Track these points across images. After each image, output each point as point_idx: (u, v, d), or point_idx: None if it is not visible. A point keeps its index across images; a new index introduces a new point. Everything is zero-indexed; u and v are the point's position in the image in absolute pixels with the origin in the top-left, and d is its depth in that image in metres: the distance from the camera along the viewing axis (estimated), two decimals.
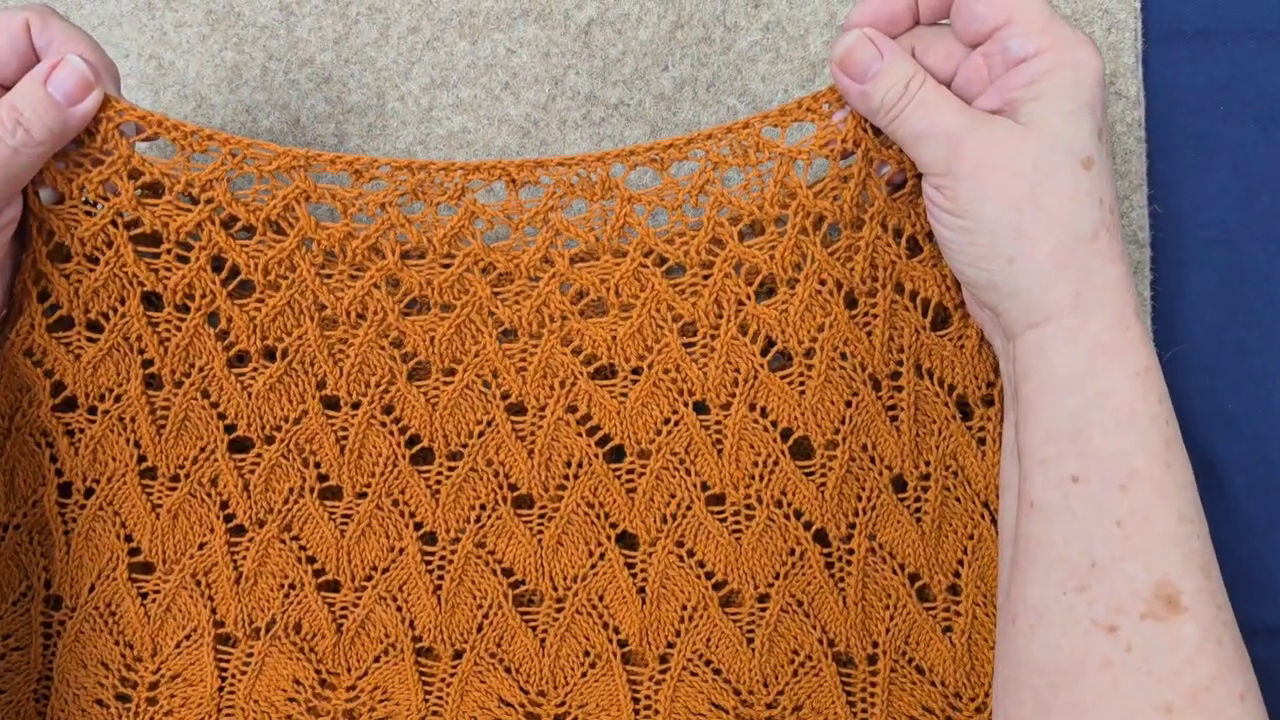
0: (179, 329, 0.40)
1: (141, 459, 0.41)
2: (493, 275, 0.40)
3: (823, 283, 0.39)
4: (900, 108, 0.35)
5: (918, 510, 0.40)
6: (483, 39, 0.46)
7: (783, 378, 0.40)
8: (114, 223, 0.38)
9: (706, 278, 0.39)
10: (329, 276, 0.39)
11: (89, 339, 0.40)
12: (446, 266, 0.39)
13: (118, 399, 0.40)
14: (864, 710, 0.40)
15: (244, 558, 0.41)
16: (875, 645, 0.40)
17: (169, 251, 0.39)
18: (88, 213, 0.38)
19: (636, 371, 0.40)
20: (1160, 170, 0.43)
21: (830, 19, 0.45)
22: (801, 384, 0.40)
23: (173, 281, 0.39)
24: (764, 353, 0.40)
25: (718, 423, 0.40)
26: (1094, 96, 0.34)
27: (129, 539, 0.41)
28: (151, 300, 0.40)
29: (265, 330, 0.40)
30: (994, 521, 0.40)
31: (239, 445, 0.41)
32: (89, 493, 0.41)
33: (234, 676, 0.41)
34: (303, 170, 0.38)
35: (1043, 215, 0.33)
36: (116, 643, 0.41)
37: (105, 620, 0.42)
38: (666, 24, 0.45)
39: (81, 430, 0.41)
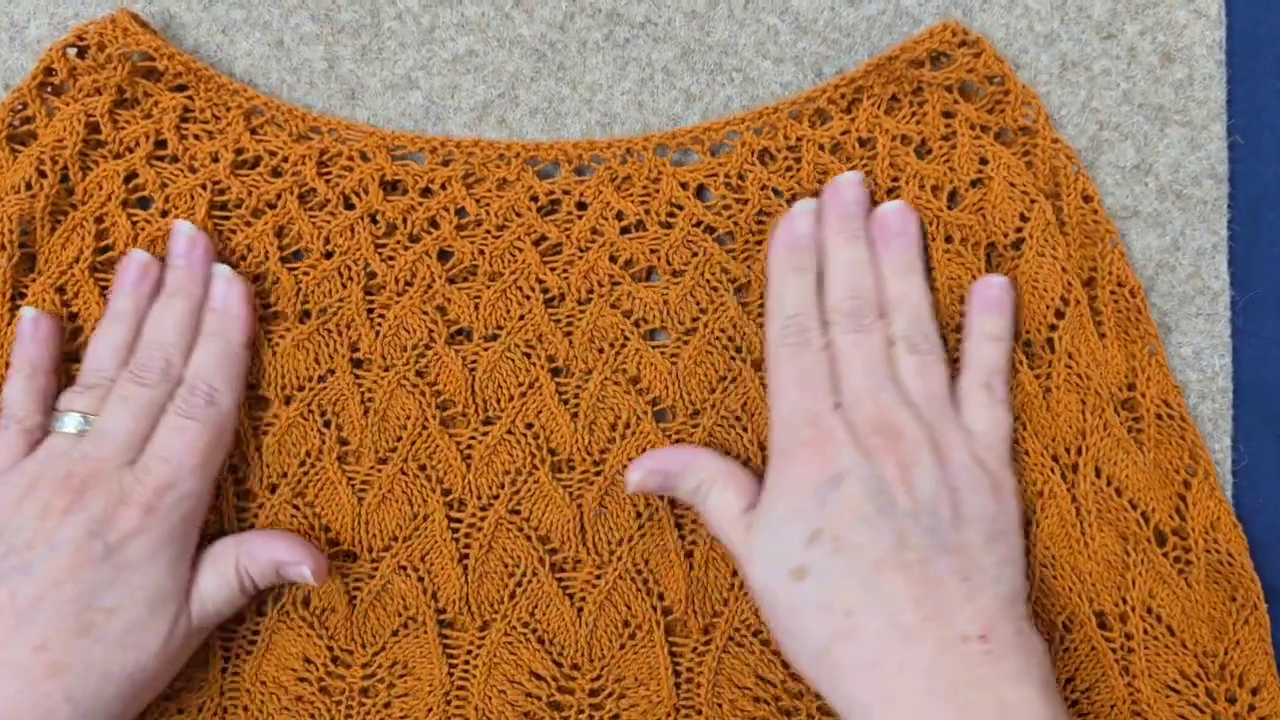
0: None
1: None
2: (544, 246, 0.39)
3: None
4: (697, 504, 0.36)
5: None
6: None
7: None
8: (203, 185, 0.38)
9: (759, 244, 0.38)
10: (383, 245, 0.39)
11: None
12: (498, 237, 0.38)
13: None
14: None
15: (252, 524, 0.38)
16: None
17: (240, 216, 0.39)
18: (191, 169, 0.39)
19: (689, 333, 0.38)
20: (1240, 98, 0.40)
21: None
22: None
23: (234, 242, 0.38)
24: None
25: None
26: (797, 503, 0.33)
27: None
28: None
29: (309, 294, 0.38)
30: (1062, 477, 0.37)
31: (255, 405, 0.38)
32: None
33: (238, 656, 0.38)
34: (385, 150, 0.38)
35: (779, 631, 0.33)
36: None
37: None
38: None
39: None
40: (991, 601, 0.32)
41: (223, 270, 0.37)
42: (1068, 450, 0.37)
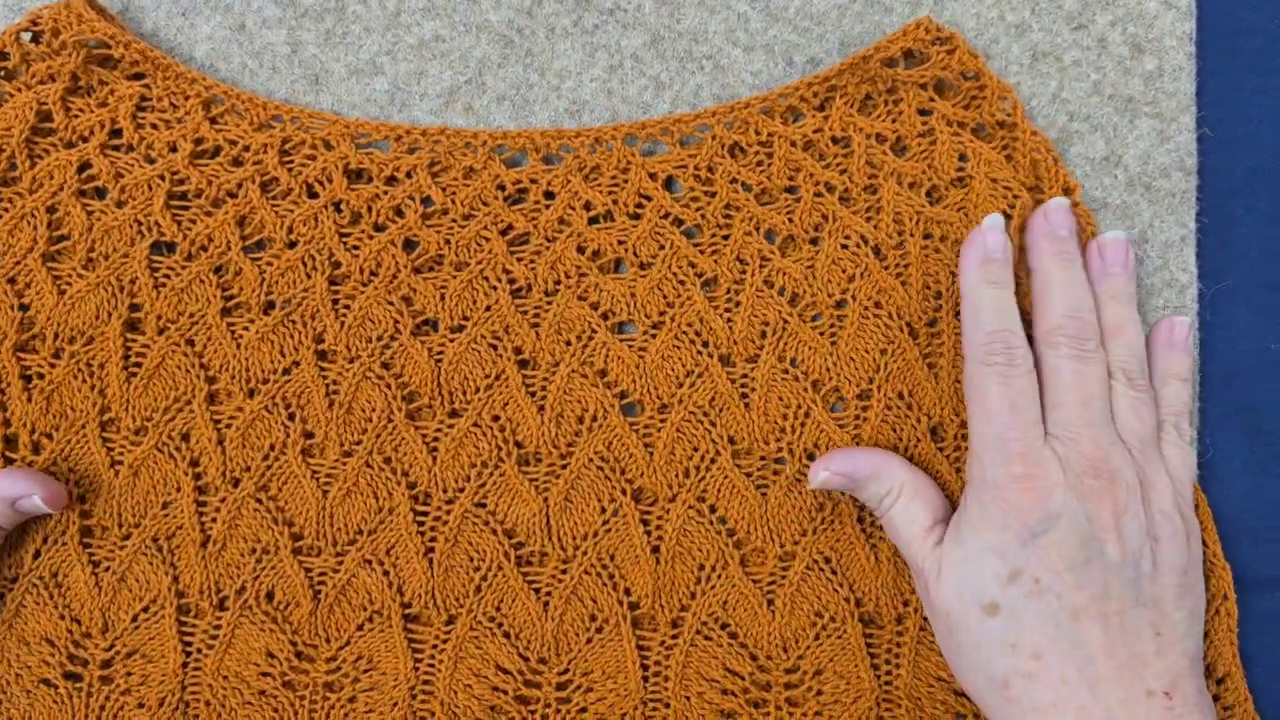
0: (179, 274, 0.38)
1: (104, 410, 0.37)
2: (510, 235, 0.38)
3: (848, 238, 0.38)
4: (881, 511, 0.36)
5: (956, 460, 0.38)
6: None
7: (813, 328, 0.38)
8: (161, 176, 0.38)
9: (726, 238, 0.38)
10: (348, 235, 0.38)
11: (80, 275, 0.37)
12: (464, 227, 0.38)
13: (89, 341, 0.37)
14: (889, 672, 0.38)
15: (213, 520, 0.37)
16: (906, 604, 0.38)
17: (199, 206, 0.38)
18: (148, 159, 0.38)
19: (656, 326, 0.38)
20: (1211, 90, 0.40)
21: None
22: (833, 335, 0.38)
23: (194, 232, 0.37)
24: (791, 305, 0.38)
25: (745, 375, 0.38)
26: (1001, 539, 0.32)
27: (82, 499, 0.37)
28: (160, 248, 0.38)
29: (272, 284, 0.38)
30: None
31: (217, 398, 0.38)
32: (37, 447, 0.38)
33: (199, 651, 0.37)
34: (349, 138, 0.38)
35: (955, 652, 0.33)
36: (63, 617, 0.37)
37: (50, 592, 0.37)
38: None
39: (40, 374, 0.37)
40: (1180, 658, 0.32)
41: None
42: None
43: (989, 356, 0.34)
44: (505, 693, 0.37)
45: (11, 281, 0.38)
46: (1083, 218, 0.38)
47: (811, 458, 0.38)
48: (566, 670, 0.38)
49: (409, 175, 0.38)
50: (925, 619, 0.38)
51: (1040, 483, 0.32)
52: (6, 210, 0.38)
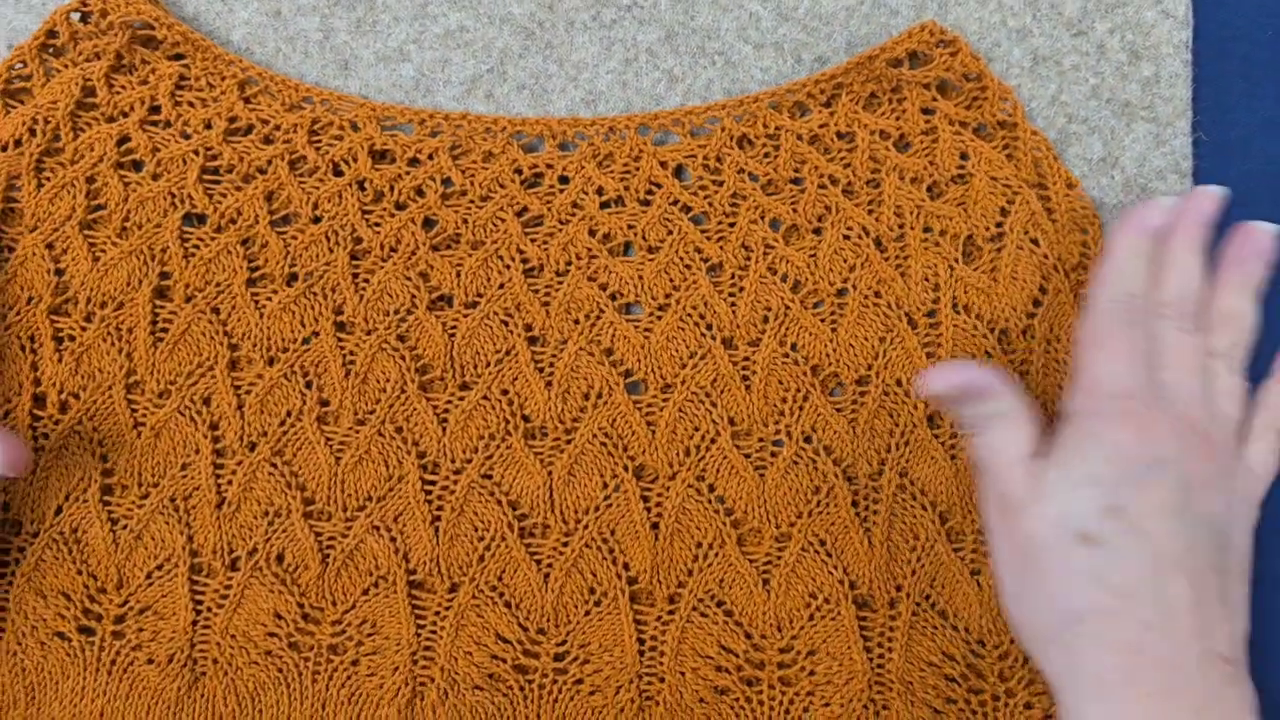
0: (208, 245, 0.39)
1: (130, 373, 0.39)
2: (526, 217, 0.40)
3: (849, 229, 0.39)
4: (982, 430, 0.35)
5: (953, 448, 0.38)
6: None
7: (814, 314, 0.39)
8: (195, 151, 0.39)
9: (732, 225, 0.39)
10: (370, 212, 0.40)
11: (114, 243, 0.39)
12: (482, 208, 0.39)
13: (119, 306, 0.39)
14: (881, 655, 0.38)
15: (229, 482, 0.39)
16: (899, 588, 0.38)
17: (230, 181, 0.39)
18: (184, 135, 0.40)
19: (662, 308, 0.39)
20: (1206, 96, 0.41)
21: None
22: (834, 321, 0.39)
23: (224, 206, 0.39)
24: (794, 291, 0.39)
25: (746, 358, 0.39)
26: (1108, 472, 0.32)
27: (104, 459, 0.39)
28: (191, 219, 0.40)
29: (296, 257, 0.39)
30: None
31: (239, 365, 0.39)
32: (64, 406, 0.39)
33: (209, 610, 0.38)
34: (375, 121, 0.40)
35: (1025, 582, 0.33)
36: (80, 572, 0.38)
37: (69, 547, 0.38)
38: None
39: (72, 337, 0.39)
40: (1239, 628, 0.33)
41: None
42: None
43: (1120, 311, 0.35)
44: (504, 661, 0.38)
45: (49, 247, 0.39)
46: (1086, 209, 0.39)
47: (809, 440, 0.39)
48: (564, 641, 0.38)
49: (431, 157, 0.40)
50: (918, 604, 0.38)
51: (1152, 427, 0.33)
52: (49, 179, 0.40)
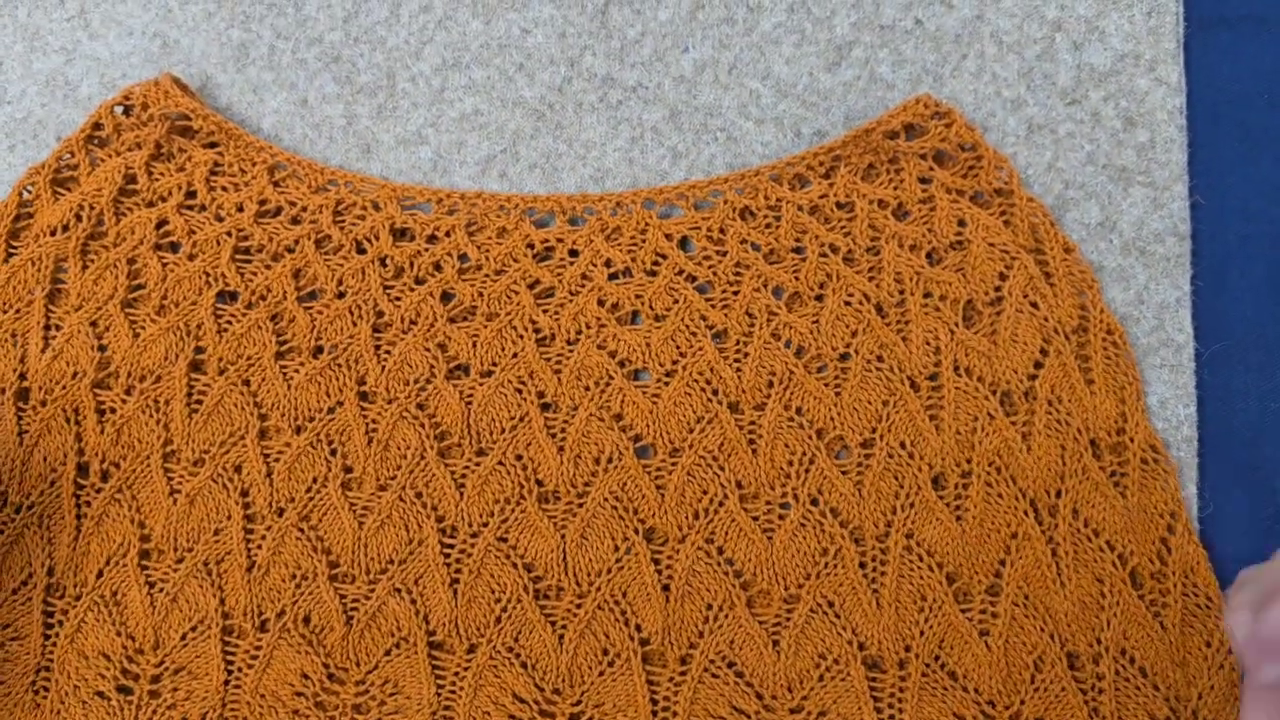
0: (240, 320, 0.41)
1: (167, 442, 0.41)
2: (538, 289, 0.42)
3: (851, 295, 0.41)
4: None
5: (958, 508, 0.39)
6: (496, 18, 0.44)
7: (818, 379, 0.40)
8: (228, 232, 0.42)
9: (735, 293, 0.41)
10: (391, 287, 0.42)
11: (153, 320, 0.42)
12: (496, 281, 0.41)
13: (157, 379, 0.41)
14: (892, 716, 0.39)
15: (259, 546, 0.40)
16: (908, 648, 0.39)
17: (260, 260, 0.42)
18: (218, 218, 0.42)
19: (670, 374, 0.41)
20: (1202, 161, 0.42)
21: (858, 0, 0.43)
22: (838, 385, 0.40)
23: (255, 283, 0.41)
24: (797, 356, 0.41)
25: (752, 422, 0.40)
26: None
27: (142, 524, 0.41)
28: (224, 296, 0.42)
29: (322, 330, 0.42)
30: (1038, 519, 0.39)
31: (268, 434, 0.41)
32: (105, 475, 0.41)
33: (240, 670, 0.40)
34: (395, 200, 0.42)
35: None
36: (119, 633, 0.40)
37: (109, 610, 0.40)
38: (687, 4, 0.44)
39: (113, 409, 0.41)
40: None
41: None
42: (1047, 493, 0.39)
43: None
44: None
45: (93, 324, 0.42)
46: (1084, 273, 0.40)
47: (815, 503, 0.39)
48: (579, 702, 0.39)
49: (448, 234, 0.42)
50: (927, 664, 0.39)
51: None
52: (93, 261, 0.42)
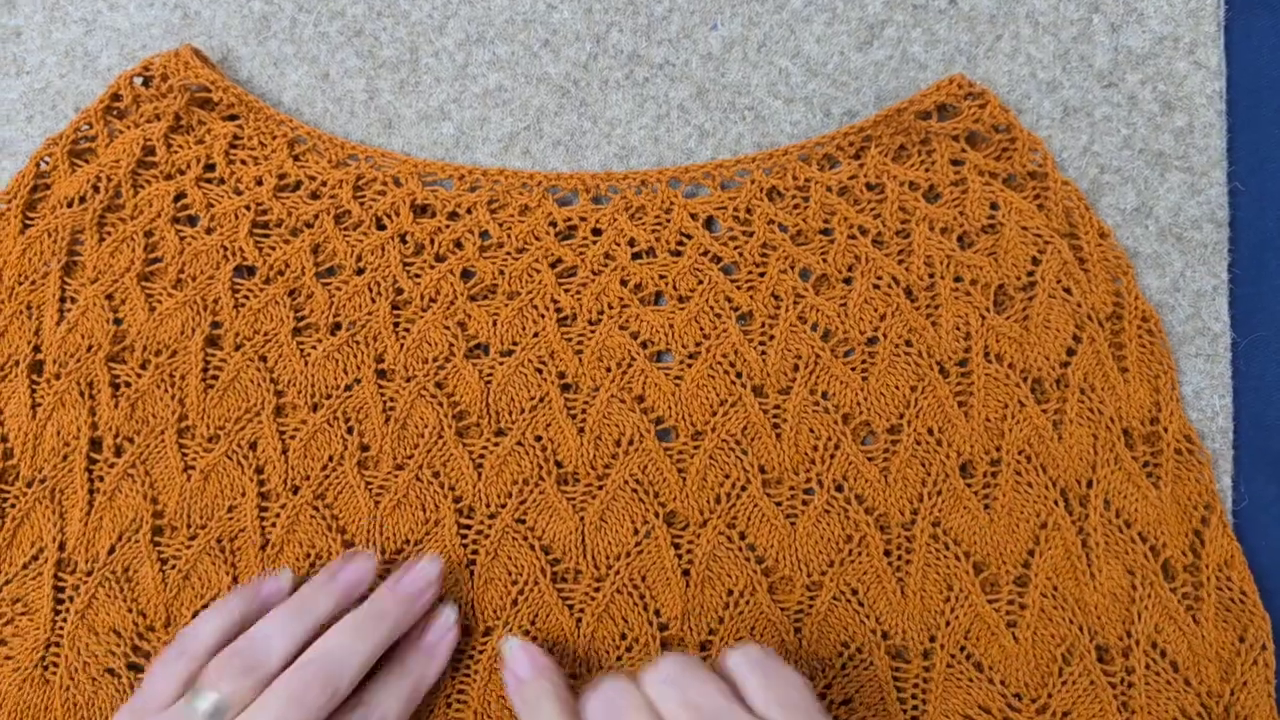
0: (257, 295, 0.41)
1: (182, 418, 0.41)
2: (560, 268, 0.41)
3: (880, 277, 0.40)
4: None
5: (987, 497, 0.38)
6: None
7: (845, 363, 0.39)
8: (247, 206, 0.41)
9: (762, 275, 0.40)
10: (411, 264, 0.41)
11: (169, 294, 0.41)
12: (517, 259, 0.40)
13: (173, 354, 0.41)
14: (915, 706, 0.38)
15: (273, 524, 0.40)
16: (932, 639, 0.38)
17: (279, 234, 0.41)
18: (237, 191, 0.42)
19: (693, 356, 0.40)
20: (1242, 146, 0.41)
21: None
22: (865, 370, 0.39)
23: (273, 258, 0.41)
24: (824, 340, 0.40)
25: (777, 406, 0.39)
26: None
27: (155, 500, 0.40)
28: (242, 271, 0.41)
29: (340, 307, 0.41)
30: (1068, 509, 0.38)
31: (284, 411, 0.41)
32: (119, 450, 0.41)
33: None
34: (417, 176, 0.41)
35: None
36: (130, 610, 0.40)
37: (121, 586, 0.40)
38: None
39: (128, 384, 0.41)
40: None
41: (450, 615, 0.37)
42: (1078, 482, 0.38)
43: None
44: None
45: (109, 298, 0.41)
46: (1119, 259, 0.39)
47: (840, 489, 0.39)
48: None
49: (469, 211, 0.41)
50: (952, 655, 0.38)
51: None
52: (110, 234, 0.42)
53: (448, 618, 0.37)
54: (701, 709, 0.31)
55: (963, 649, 0.38)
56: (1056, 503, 0.38)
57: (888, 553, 0.39)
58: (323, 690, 0.33)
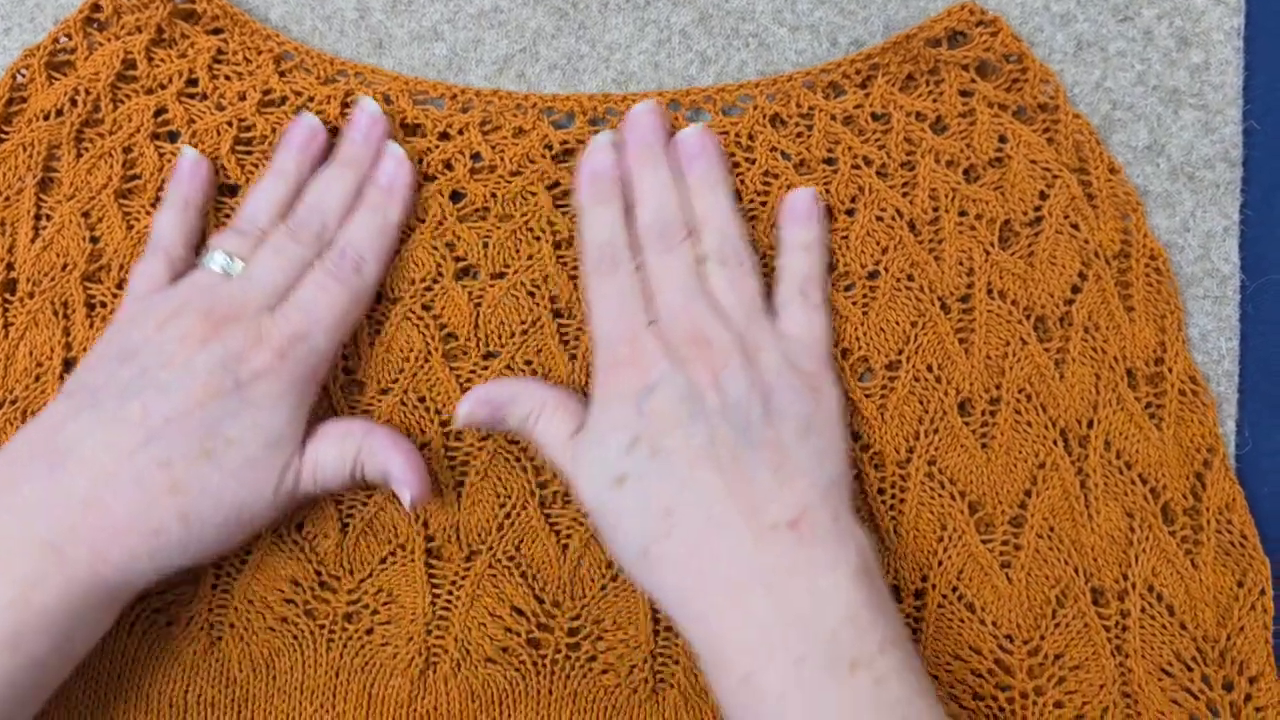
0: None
1: None
2: (556, 190, 0.40)
3: (883, 210, 0.39)
4: (527, 433, 0.36)
5: (985, 436, 0.37)
6: None
7: (845, 297, 0.38)
8: (229, 122, 0.40)
9: (763, 204, 0.39)
10: None
11: (147, 212, 0.40)
12: (510, 182, 0.39)
13: None
14: None
15: None
16: (924, 578, 0.37)
17: (262, 151, 0.40)
18: (219, 107, 0.41)
19: None
20: (1259, 85, 0.40)
21: None
22: (865, 305, 0.38)
23: (256, 176, 0.40)
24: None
25: None
26: (619, 413, 0.34)
27: None
28: (224, 189, 0.40)
29: None
30: (1068, 449, 0.37)
31: None
32: None
33: (229, 575, 0.39)
34: (407, 94, 0.40)
35: (609, 541, 0.34)
36: None
37: None
38: None
39: (104, 303, 0.40)
40: (805, 491, 0.33)
41: (395, 150, 0.39)
42: (1079, 422, 0.37)
43: (598, 266, 0.37)
44: (518, 634, 0.38)
45: (85, 215, 0.40)
46: (1128, 195, 0.38)
47: None
48: (579, 616, 0.38)
49: (461, 132, 0.40)
50: (944, 595, 0.37)
51: (643, 359, 0.35)
52: (88, 149, 0.40)
53: (393, 150, 0.39)
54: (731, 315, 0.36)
55: (955, 589, 0.37)
56: (1056, 443, 0.37)
57: (881, 491, 0.38)
58: (310, 231, 0.37)
